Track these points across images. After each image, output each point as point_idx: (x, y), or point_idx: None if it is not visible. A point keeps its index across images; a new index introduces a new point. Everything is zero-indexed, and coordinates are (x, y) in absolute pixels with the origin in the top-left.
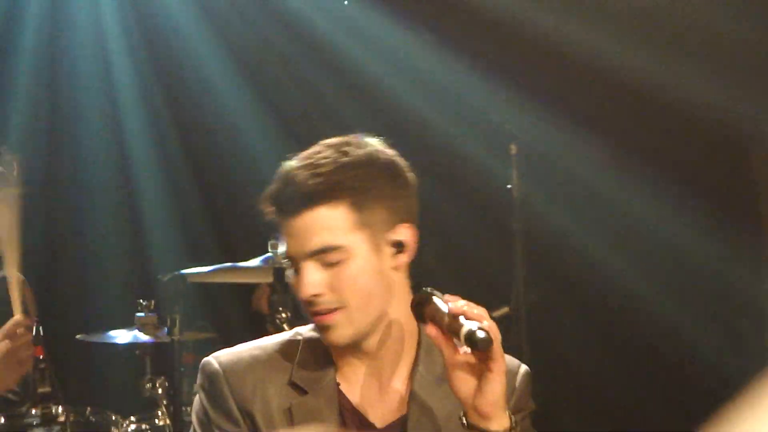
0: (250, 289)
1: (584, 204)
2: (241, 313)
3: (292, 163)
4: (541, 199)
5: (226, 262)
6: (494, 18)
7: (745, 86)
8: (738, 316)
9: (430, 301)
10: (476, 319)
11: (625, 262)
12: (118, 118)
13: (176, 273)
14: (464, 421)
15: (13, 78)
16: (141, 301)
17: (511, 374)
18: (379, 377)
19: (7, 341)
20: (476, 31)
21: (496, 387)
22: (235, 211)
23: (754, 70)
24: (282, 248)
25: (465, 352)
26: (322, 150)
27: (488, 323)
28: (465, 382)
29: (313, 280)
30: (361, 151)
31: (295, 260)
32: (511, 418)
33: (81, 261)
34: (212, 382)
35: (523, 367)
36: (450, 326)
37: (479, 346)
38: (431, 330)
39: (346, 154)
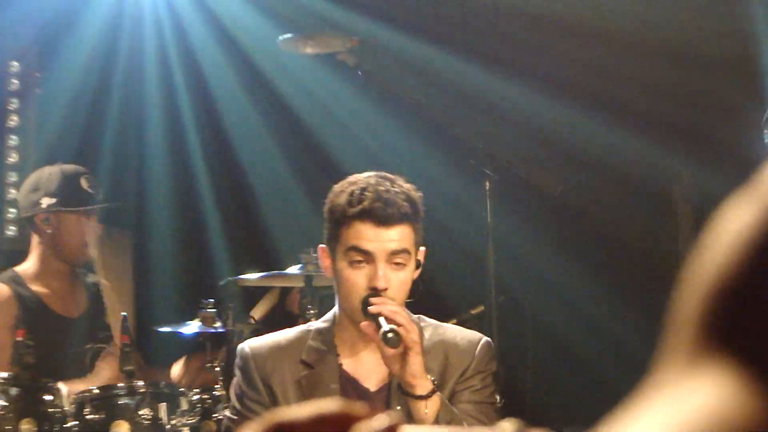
0: (284, 291)
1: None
2: (278, 310)
3: (380, 187)
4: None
5: (268, 270)
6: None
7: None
8: None
9: (369, 303)
10: (391, 319)
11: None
12: (181, 144)
13: (230, 278)
14: (400, 390)
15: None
16: (203, 300)
17: (471, 345)
18: (371, 352)
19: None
20: None
21: (413, 364)
22: (275, 230)
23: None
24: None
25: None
26: (395, 179)
27: (401, 320)
28: (393, 362)
29: (386, 275)
30: (412, 186)
31: (371, 257)
32: (433, 382)
33: (156, 268)
34: (244, 362)
35: (484, 339)
36: (376, 326)
37: (389, 344)
38: (367, 327)
39: (412, 188)
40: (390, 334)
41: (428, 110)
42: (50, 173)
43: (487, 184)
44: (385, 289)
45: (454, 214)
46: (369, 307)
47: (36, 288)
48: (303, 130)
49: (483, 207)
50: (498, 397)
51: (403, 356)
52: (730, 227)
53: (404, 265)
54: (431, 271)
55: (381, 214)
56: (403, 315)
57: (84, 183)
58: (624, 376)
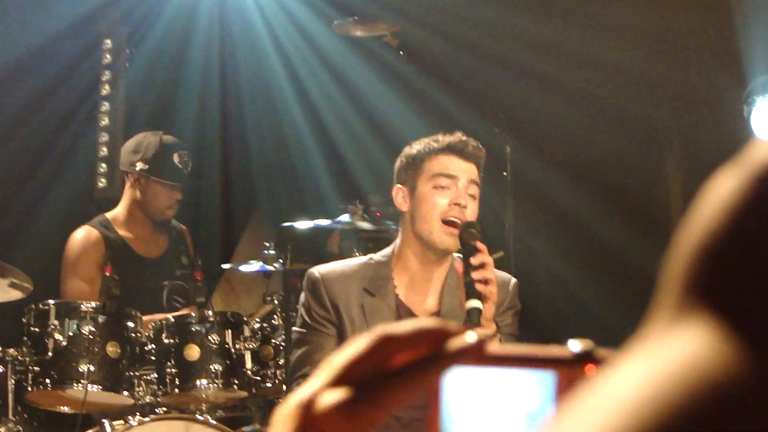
0: (325, 233)
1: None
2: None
3: (458, 135)
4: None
5: (321, 218)
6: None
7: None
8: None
9: (473, 245)
10: (485, 301)
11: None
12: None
13: (287, 224)
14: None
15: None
16: (266, 242)
17: (505, 284)
18: (424, 284)
19: None
20: None
21: (488, 310)
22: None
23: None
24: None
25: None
26: (467, 137)
27: (489, 274)
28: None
29: (466, 195)
30: None
31: (454, 181)
32: (498, 326)
33: (227, 213)
34: (314, 284)
35: (513, 280)
36: (467, 284)
37: (472, 320)
38: (458, 266)
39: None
40: (474, 317)
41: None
42: (151, 141)
43: (508, 148)
44: (465, 207)
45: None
46: (475, 253)
47: (122, 232)
48: (350, 106)
49: (504, 167)
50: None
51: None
52: (716, 193)
53: (475, 197)
54: None
55: (463, 149)
56: (492, 269)
57: (176, 158)
58: (618, 316)
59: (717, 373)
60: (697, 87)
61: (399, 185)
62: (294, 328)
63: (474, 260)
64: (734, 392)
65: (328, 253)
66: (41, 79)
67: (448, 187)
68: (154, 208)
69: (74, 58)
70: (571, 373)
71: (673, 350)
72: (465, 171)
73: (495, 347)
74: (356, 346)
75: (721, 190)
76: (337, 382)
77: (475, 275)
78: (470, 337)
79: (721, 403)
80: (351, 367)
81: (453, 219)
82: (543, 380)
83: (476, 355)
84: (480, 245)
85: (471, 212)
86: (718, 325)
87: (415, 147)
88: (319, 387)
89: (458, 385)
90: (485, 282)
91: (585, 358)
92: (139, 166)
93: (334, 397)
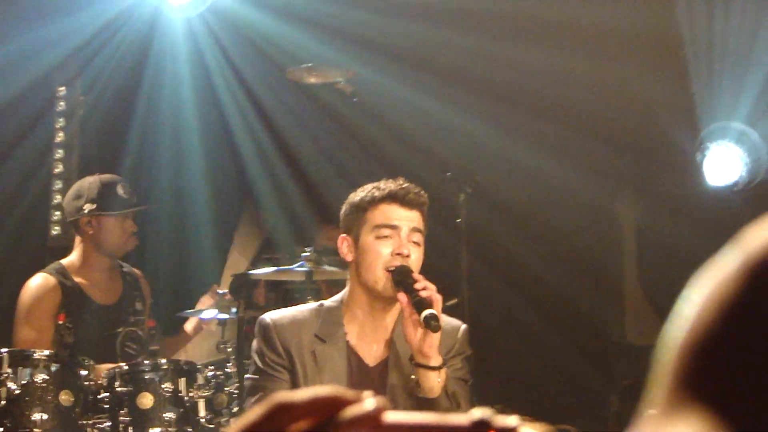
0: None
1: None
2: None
3: (399, 183)
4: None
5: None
6: None
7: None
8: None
9: (410, 277)
10: (435, 306)
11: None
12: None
13: (241, 273)
14: (412, 361)
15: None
16: (219, 291)
17: (454, 330)
18: (372, 332)
19: None
20: None
21: (435, 338)
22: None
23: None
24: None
25: (414, 314)
26: (409, 183)
27: (436, 296)
28: (415, 331)
29: (409, 243)
30: None
31: (396, 231)
32: (443, 359)
33: (180, 263)
34: (265, 329)
35: (464, 326)
36: (417, 303)
37: (432, 329)
38: (402, 297)
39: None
40: (433, 321)
41: (411, 134)
42: (91, 182)
43: (462, 195)
44: (408, 256)
45: (432, 220)
46: (413, 283)
47: (78, 279)
48: (297, 153)
49: (458, 214)
50: (470, 377)
51: (425, 331)
52: (706, 284)
53: (419, 245)
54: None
55: (404, 197)
56: (430, 287)
57: (120, 190)
58: (571, 360)
59: None
60: (651, 133)
61: (344, 234)
62: (247, 375)
63: (417, 285)
64: None
65: (255, 305)
66: None
67: (391, 236)
68: (112, 245)
69: (31, 116)
70: None
71: None
72: (407, 219)
73: (392, 416)
74: (253, 413)
75: (717, 279)
76: None
77: (417, 287)
78: (367, 405)
79: None
80: None
81: (417, 287)
82: None
83: (372, 424)
84: (416, 275)
85: (415, 260)
86: (711, 419)
87: (359, 195)
88: None
89: None
90: (427, 289)
91: (482, 427)
92: (87, 207)
93: None
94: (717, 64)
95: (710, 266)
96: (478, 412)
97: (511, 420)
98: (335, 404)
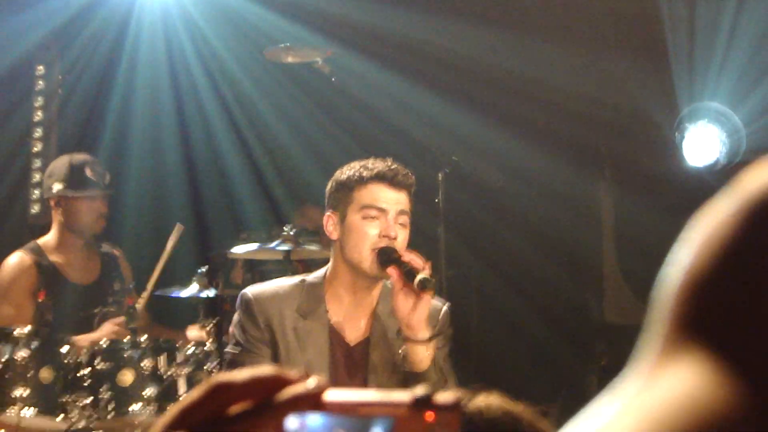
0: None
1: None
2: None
3: (387, 163)
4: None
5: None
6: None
7: None
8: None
9: (396, 254)
10: (426, 270)
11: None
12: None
13: (220, 251)
14: (400, 334)
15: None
16: (199, 269)
17: (436, 311)
18: (354, 310)
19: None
20: None
21: (423, 309)
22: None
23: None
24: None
25: (407, 284)
26: (396, 163)
27: (428, 268)
28: (404, 304)
29: (396, 226)
30: None
31: (383, 213)
32: (431, 332)
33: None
34: (247, 304)
35: (445, 306)
36: (408, 272)
37: (428, 287)
38: (392, 270)
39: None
40: (429, 282)
41: (389, 114)
42: (61, 163)
43: (440, 175)
44: (395, 239)
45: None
46: (401, 258)
47: (54, 258)
48: (275, 133)
49: (436, 194)
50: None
51: (415, 304)
52: (709, 223)
53: (405, 226)
54: None
55: (393, 178)
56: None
57: (88, 171)
58: (550, 340)
59: (714, 408)
60: (629, 113)
61: (329, 212)
62: (227, 349)
63: (404, 258)
64: (732, 426)
65: (233, 285)
66: None
67: (378, 218)
68: (81, 225)
69: (12, 96)
70: (409, 420)
71: (669, 387)
72: (395, 201)
73: (333, 394)
74: (193, 392)
75: (715, 221)
76: (173, 427)
77: (405, 260)
78: (307, 384)
79: None
80: (187, 413)
81: (405, 260)
82: (381, 427)
83: (312, 402)
84: (401, 252)
85: (401, 241)
86: (712, 361)
87: (346, 173)
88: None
89: None
90: (415, 260)
91: (423, 404)
92: (56, 187)
93: None
94: (697, 44)
95: (707, 209)
96: (420, 389)
97: (452, 396)
98: (276, 384)
